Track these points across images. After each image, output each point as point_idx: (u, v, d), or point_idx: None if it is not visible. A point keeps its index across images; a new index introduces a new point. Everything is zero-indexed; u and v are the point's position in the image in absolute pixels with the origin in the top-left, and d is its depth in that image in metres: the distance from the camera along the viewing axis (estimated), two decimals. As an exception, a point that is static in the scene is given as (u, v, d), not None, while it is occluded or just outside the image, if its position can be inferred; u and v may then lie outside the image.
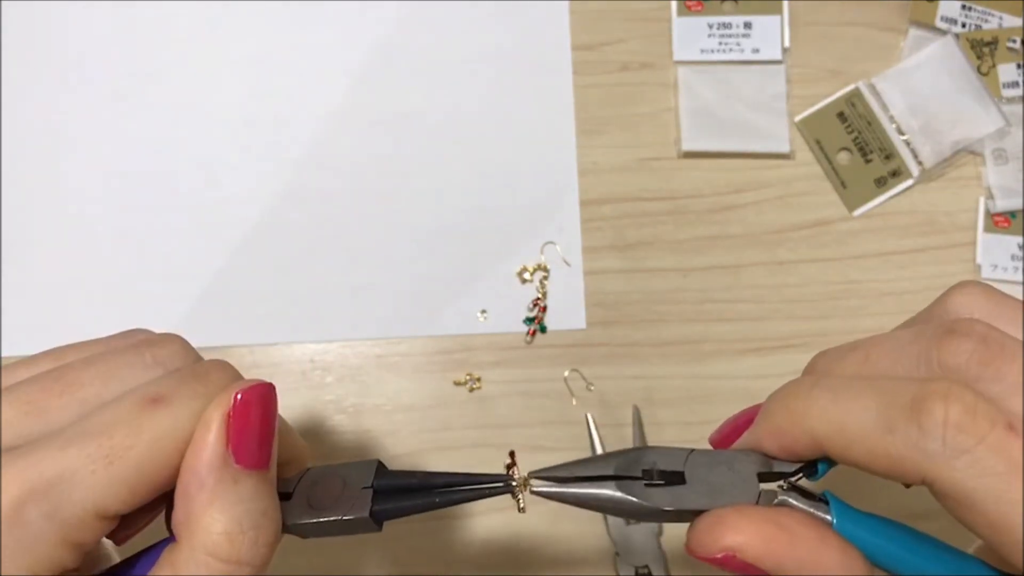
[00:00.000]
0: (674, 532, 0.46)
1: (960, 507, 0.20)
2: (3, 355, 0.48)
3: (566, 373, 0.49)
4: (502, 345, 0.49)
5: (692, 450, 0.24)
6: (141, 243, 0.50)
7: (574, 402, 0.48)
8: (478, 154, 0.51)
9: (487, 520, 0.47)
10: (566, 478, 0.24)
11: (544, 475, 0.24)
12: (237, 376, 0.25)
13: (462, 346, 0.49)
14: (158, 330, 0.27)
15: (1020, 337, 0.22)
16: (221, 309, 0.49)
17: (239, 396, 0.23)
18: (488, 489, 0.25)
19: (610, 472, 0.24)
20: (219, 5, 0.52)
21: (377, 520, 0.25)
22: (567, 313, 0.49)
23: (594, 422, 0.47)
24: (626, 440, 0.48)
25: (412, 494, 0.25)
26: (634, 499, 0.23)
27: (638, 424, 0.47)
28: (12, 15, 0.52)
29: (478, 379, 0.48)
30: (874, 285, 0.50)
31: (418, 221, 0.50)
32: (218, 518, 0.22)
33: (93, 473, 0.21)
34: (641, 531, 0.45)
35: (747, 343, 0.49)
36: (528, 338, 0.49)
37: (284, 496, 0.25)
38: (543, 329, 0.49)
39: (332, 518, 0.24)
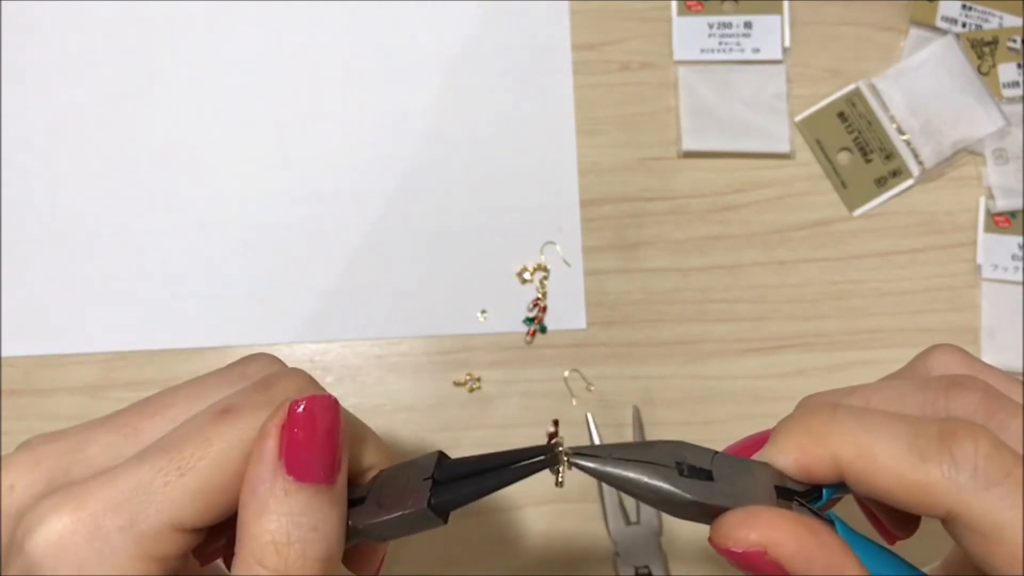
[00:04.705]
0: (675, 533, 0.46)
1: (985, 540, 0.21)
2: (3, 355, 0.48)
3: (566, 373, 0.49)
4: (502, 345, 0.49)
5: (716, 452, 0.24)
6: (141, 243, 0.50)
7: (574, 402, 0.48)
8: (478, 154, 0.51)
9: (488, 520, 0.47)
10: (605, 457, 0.24)
11: (585, 451, 0.24)
12: (308, 386, 0.25)
13: (462, 346, 0.49)
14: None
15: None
16: (221, 309, 0.49)
17: (297, 408, 0.23)
18: (538, 464, 0.24)
19: (648, 459, 0.24)
20: (219, 5, 0.52)
21: (438, 512, 0.24)
22: (567, 313, 0.49)
23: (594, 422, 0.47)
24: (626, 440, 0.48)
25: (467, 481, 0.24)
26: (670, 487, 0.23)
27: (638, 424, 0.47)
28: (12, 15, 0.52)
29: (478, 379, 0.48)
30: (874, 285, 0.50)
31: (418, 221, 0.50)
32: (266, 528, 0.22)
33: (166, 485, 0.22)
34: (641, 531, 0.45)
35: (747, 343, 0.49)
36: (528, 338, 0.49)
37: (359, 501, 0.25)
38: (543, 329, 0.49)
39: (394, 515, 0.24)
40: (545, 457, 0.24)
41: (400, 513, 0.24)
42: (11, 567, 0.21)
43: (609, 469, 0.24)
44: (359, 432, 0.26)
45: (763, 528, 0.22)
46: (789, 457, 0.23)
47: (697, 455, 0.24)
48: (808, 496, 0.24)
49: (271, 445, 0.22)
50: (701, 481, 0.23)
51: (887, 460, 0.21)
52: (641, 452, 0.24)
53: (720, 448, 0.25)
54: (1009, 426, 0.22)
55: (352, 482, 0.25)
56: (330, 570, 0.23)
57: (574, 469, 0.24)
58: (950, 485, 0.21)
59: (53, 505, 0.21)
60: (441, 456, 0.25)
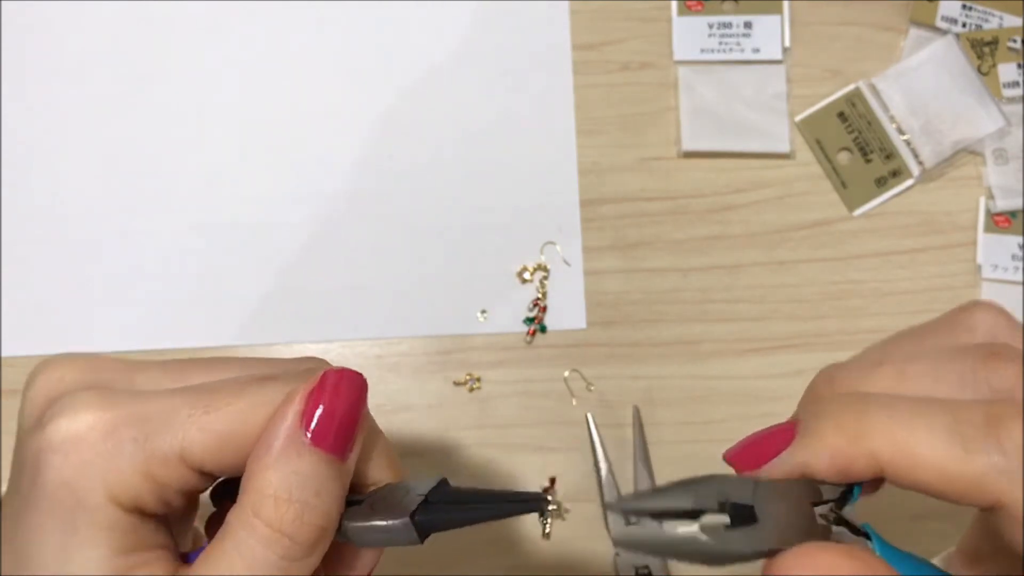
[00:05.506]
0: (674, 532, 0.46)
1: None
2: (3, 355, 0.48)
3: (566, 373, 0.49)
4: (502, 345, 0.49)
5: (756, 483, 0.23)
6: (141, 243, 0.50)
7: (574, 402, 0.48)
8: (478, 154, 0.51)
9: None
10: (644, 510, 0.22)
11: (625, 507, 0.22)
12: None
13: (462, 346, 0.49)
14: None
15: None
16: (221, 309, 0.49)
17: (328, 377, 0.23)
18: (528, 507, 0.25)
19: (689, 505, 0.22)
20: (219, 6, 0.52)
21: (419, 529, 0.24)
22: (567, 313, 0.49)
23: (594, 422, 0.47)
24: (626, 440, 0.48)
25: (456, 507, 0.25)
26: (722, 548, 0.22)
27: (638, 424, 0.47)
28: (12, 15, 0.52)
29: (478, 379, 0.48)
30: (874, 285, 0.50)
31: (418, 221, 0.50)
32: (271, 480, 0.22)
33: (189, 417, 0.22)
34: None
35: (747, 343, 0.49)
36: (528, 338, 0.49)
37: (353, 504, 0.25)
38: (543, 329, 0.49)
39: (375, 521, 0.24)
40: (536, 504, 0.25)
41: (381, 521, 0.24)
42: (28, 441, 0.23)
43: (652, 539, 0.22)
44: (376, 440, 0.26)
45: (821, 568, 0.20)
46: (823, 460, 0.22)
47: (737, 489, 0.23)
48: (841, 500, 0.23)
49: (296, 407, 0.23)
50: (746, 528, 0.22)
51: (929, 454, 0.20)
52: (681, 497, 0.22)
53: (721, 448, 0.25)
54: None
55: (355, 489, 0.25)
56: (320, 543, 0.23)
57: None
58: (999, 476, 0.19)
59: (84, 400, 0.22)
60: (443, 481, 0.25)
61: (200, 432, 0.22)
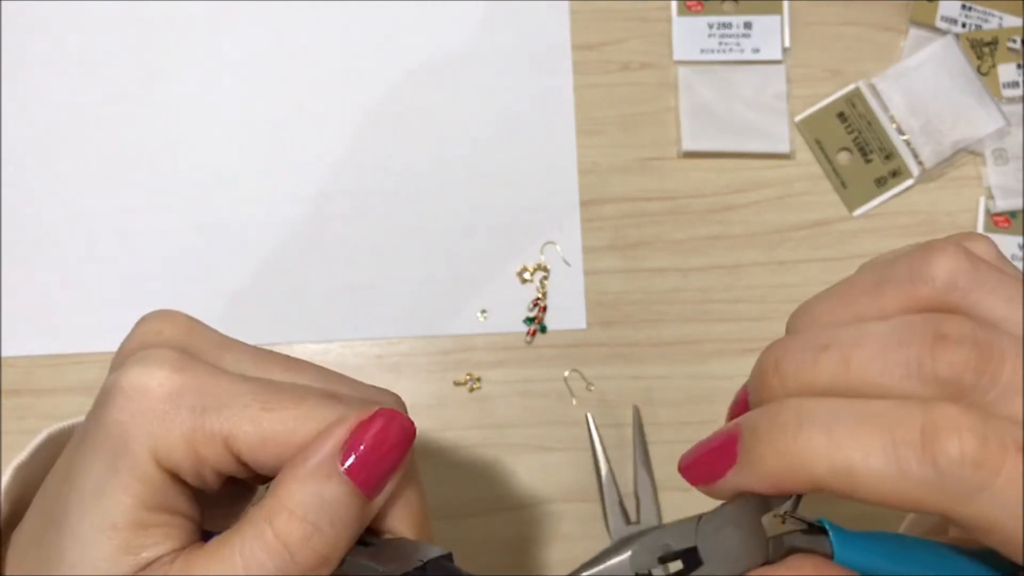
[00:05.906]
0: (674, 532, 0.46)
1: (983, 535, 0.20)
2: (3, 355, 0.48)
3: (566, 373, 0.49)
4: (502, 345, 0.49)
5: (700, 517, 0.23)
6: (141, 243, 0.50)
7: (574, 402, 0.48)
8: (478, 154, 0.51)
9: (487, 520, 0.47)
10: None
11: None
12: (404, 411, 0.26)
13: (462, 346, 0.49)
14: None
15: (1002, 313, 0.22)
16: (220, 309, 0.49)
17: (382, 415, 0.24)
18: None
19: (628, 573, 0.23)
20: (219, 5, 0.52)
21: None
22: (567, 313, 0.49)
23: (594, 422, 0.47)
24: (626, 440, 0.48)
25: None
26: None
27: (638, 424, 0.47)
28: (12, 15, 0.52)
29: (478, 379, 0.48)
30: (874, 285, 0.50)
31: (418, 221, 0.50)
32: (293, 494, 0.23)
33: (246, 407, 0.23)
34: (641, 531, 0.45)
35: (747, 343, 0.49)
36: (528, 338, 0.49)
37: (367, 544, 0.25)
38: (543, 329, 0.49)
39: (370, 570, 0.24)
40: None
41: (375, 570, 0.24)
42: (110, 376, 0.24)
43: None
44: (408, 493, 0.26)
45: None
46: (765, 485, 0.22)
47: (679, 534, 0.23)
48: (794, 502, 0.23)
49: (342, 432, 0.23)
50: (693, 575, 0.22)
51: (865, 476, 0.20)
52: (620, 560, 0.23)
53: (709, 431, 0.25)
54: (1000, 376, 0.20)
55: (372, 532, 0.26)
56: (319, 569, 0.23)
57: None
58: (937, 495, 0.20)
59: (165, 357, 0.24)
60: (447, 556, 0.26)
61: (250, 423, 0.23)
